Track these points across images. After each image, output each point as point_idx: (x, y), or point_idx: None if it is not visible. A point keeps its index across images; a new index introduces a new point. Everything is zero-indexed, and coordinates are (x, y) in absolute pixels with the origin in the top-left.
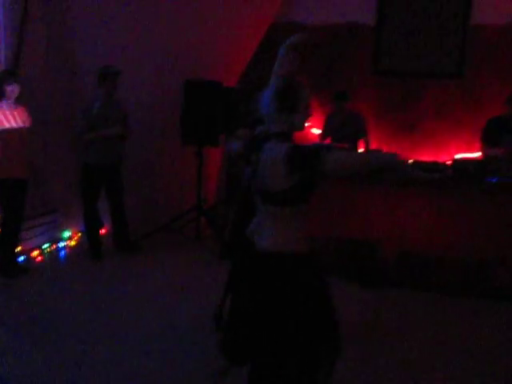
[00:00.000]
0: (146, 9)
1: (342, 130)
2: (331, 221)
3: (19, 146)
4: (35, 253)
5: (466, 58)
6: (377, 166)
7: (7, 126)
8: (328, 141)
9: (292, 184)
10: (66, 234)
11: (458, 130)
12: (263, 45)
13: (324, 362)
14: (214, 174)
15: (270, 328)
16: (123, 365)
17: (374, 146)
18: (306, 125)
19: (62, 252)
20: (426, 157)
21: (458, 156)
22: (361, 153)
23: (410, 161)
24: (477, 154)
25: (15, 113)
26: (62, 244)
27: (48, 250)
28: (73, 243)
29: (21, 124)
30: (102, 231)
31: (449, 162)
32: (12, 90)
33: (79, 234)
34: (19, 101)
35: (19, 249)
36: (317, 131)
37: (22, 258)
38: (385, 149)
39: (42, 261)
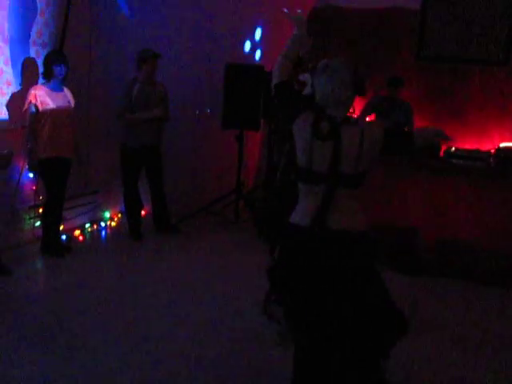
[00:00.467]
0: None
1: (391, 117)
2: (370, 208)
3: (66, 125)
4: (77, 232)
5: None
6: None
7: (54, 106)
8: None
9: (366, 166)
10: (107, 214)
11: (502, 119)
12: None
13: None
14: (254, 158)
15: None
16: (163, 340)
17: None
18: None
19: (103, 232)
20: (470, 145)
21: (502, 145)
22: None
23: (453, 149)
24: None
25: (62, 93)
26: (102, 224)
27: (89, 229)
28: (114, 224)
29: (67, 104)
30: (143, 213)
31: (492, 151)
32: (60, 70)
33: (119, 215)
34: (66, 82)
35: (61, 228)
36: None
37: (64, 237)
38: None
39: (84, 241)
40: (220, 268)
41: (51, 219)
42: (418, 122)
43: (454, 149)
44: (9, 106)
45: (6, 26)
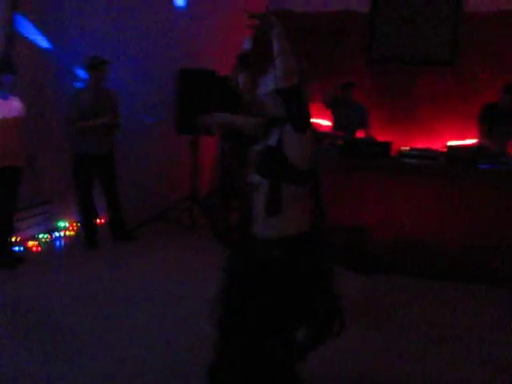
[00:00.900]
0: None
1: (346, 119)
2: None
3: (15, 135)
4: (32, 243)
5: (460, 45)
6: None
7: (1, 115)
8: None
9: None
10: (62, 224)
11: (451, 118)
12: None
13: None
14: (209, 163)
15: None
16: (116, 350)
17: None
18: None
19: (59, 242)
20: (421, 144)
21: (452, 143)
22: None
23: (406, 148)
24: (470, 141)
25: (10, 102)
26: (58, 234)
27: (44, 240)
28: (69, 233)
29: (16, 113)
30: (99, 221)
31: (442, 150)
32: (8, 79)
33: (75, 224)
34: (14, 90)
35: (16, 239)
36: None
37: (18, 249)
38: (379, 137)
39: (39, 251)
40: (176, 273)
41: (2, 230)
42: (371, 123)
43: (405, 148)
44: None
45: None
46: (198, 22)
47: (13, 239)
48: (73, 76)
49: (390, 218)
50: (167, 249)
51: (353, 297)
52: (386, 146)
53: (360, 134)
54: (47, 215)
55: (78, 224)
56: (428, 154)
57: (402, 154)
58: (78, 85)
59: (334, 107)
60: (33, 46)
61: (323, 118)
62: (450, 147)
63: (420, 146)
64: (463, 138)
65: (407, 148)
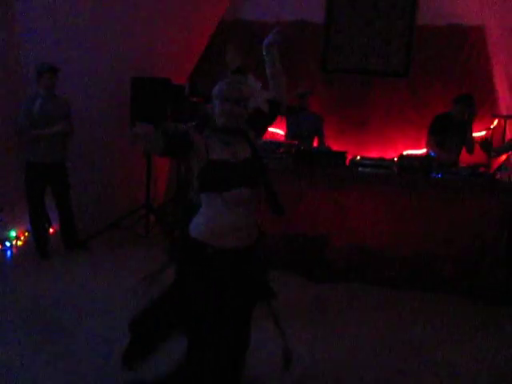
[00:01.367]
0: (92, 6)
1: (301, 128)
2: (280, 217)
3: None
4: None
5: (413, 57)
6: None
7: None
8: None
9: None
10: (12, 233)
11: (405, 128)
12: (212, 42)
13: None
14: (164, 172)
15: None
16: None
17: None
18: None
19: (9, 252)
20: (374, 153)
21: (405, 152)
22: None
23: (357, 157)
24: (423, 151)
25: None
26: (8, 244)
27: None
28: (20, 243)
29: None
30: (51, 230)
31: (396, 159)
32: None
33: (26, 234)
34: None
35: None
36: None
37: None
38: (333, 146)
39: None
40: (128, 283)
41: None
42: (326, 132)
43: (359, 157)
44: None
45: None
46: (153, 30)
47: None
48: (24, 83)
49: (345, 226)
50: (120, 258)
51: (299, 302)
52: (341, 155)
53: (314, 143)
54: None
55: (29, 233)
56: (381, 164)
57: (355, 163)
58: (30, 92)
59: (289, 116)
60: None
61: (276, 126)
62: (402, 157)
63: (374, 155)
64: (417, 148)
65: (358, 157)
